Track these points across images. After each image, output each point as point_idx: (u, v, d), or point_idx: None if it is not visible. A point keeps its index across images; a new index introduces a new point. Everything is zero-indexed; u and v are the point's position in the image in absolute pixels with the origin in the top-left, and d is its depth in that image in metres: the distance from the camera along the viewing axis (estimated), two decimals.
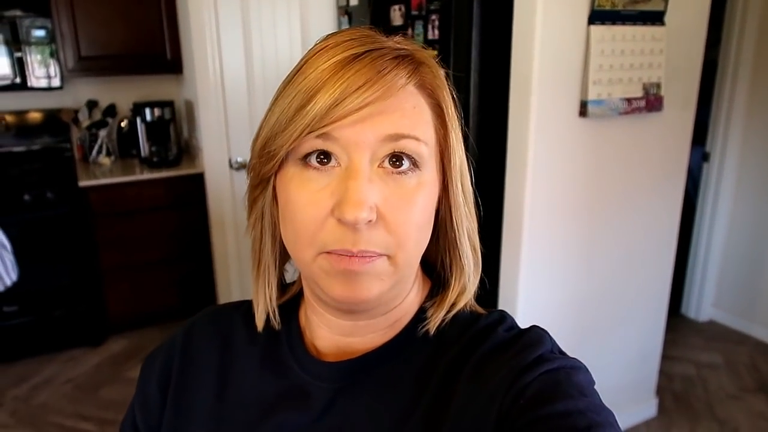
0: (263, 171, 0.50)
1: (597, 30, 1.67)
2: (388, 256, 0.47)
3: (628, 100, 1.78)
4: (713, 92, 2.94)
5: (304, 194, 0.47)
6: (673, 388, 2.56)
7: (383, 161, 0.47)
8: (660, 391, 2.42)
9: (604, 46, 1.69)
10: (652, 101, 1.83)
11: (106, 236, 2.79)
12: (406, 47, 0.49)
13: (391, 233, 0.47)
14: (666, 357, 2.56)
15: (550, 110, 1.69)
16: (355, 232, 0.45)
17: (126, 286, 2.90)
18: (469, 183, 0.54)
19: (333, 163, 0.47)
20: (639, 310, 2.14)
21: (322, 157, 0.47)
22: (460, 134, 0.52)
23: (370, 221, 0.45)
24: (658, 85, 1.83)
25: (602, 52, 1.69)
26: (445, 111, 0.50)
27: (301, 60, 0.49)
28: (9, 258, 2.52)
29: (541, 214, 1.77)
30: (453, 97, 0.52)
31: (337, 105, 0.44)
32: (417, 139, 0.47)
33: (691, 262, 3.20)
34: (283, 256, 0.57)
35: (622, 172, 1.89)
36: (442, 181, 0.52)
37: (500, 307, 1.92)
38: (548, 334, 0.53)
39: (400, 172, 0.47)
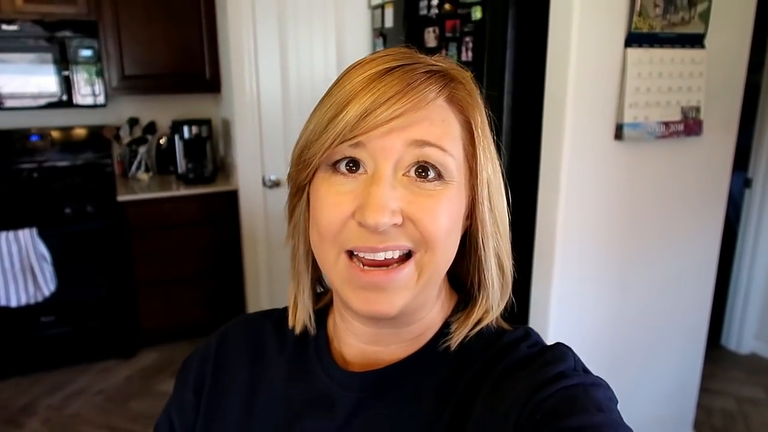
0: (299, 179, 0.52)
1: (634, 53, 1.65)
2: (416, 259, 0.49)
3: (666, 124, 1.74)
4: (756, 116, 2.86)
5: (330, 196, 0.49)
6: (712, 422, 2.45)
7: (408, 170, 0.48)
8: (698, 425, 2.32)
9: (641, 69, 1.67)
10: (691, 125, 1.79)
11: (141, 250, 2.85)
12: (441, 64, 0.50)
13: (419, 231, 0.48)
14: (705, 390, 2.46)
15: (584, 133, 1.67)
16: (379, 234, 0.47)
17: (159, 300, 2.95)
18: (502, 204, 0.54)
19: (361, 170, 0.48)
20: (676, 340, 2.06)
21: (351, 165, 0.48)
22: (494, 154, 0.53)
23: (394, 224, 0.47)
24: (698, 109, 1.79)
25: (639, 75, 1.67)
26: (474, 128, 0.51)
27: (341, 74, 0.51)
28: (48, 269, 2.61)
29: (574, 238, 1.74)
30: (487, 117, 0.53)
31: (367, 115, 0.46)
32: (442, 149, 0.48)
33: (732, 291, 3.09)
34: (316, 264, 0.58)
35: (658, 197, 1.85)
36: (471, 198, 0.52)
37: None
38: (572, 351, 0.53)
39: (424, 181, 0.48)
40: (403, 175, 0.48)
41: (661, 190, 1.84)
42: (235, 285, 3.05)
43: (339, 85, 0.49)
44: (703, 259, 2.02)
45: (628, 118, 1.68)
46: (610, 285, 1.86)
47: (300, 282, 0.59)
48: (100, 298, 2.82)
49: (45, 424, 2.43)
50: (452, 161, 0.49)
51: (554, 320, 1.78)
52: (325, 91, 0.51)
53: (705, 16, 1.72)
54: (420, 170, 0.48)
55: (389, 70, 0.47)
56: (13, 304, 2.56)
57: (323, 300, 0.62)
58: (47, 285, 2.61)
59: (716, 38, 1.76)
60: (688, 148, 1.84)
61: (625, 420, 0.47)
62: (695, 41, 1.73)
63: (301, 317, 0.59)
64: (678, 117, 1.76)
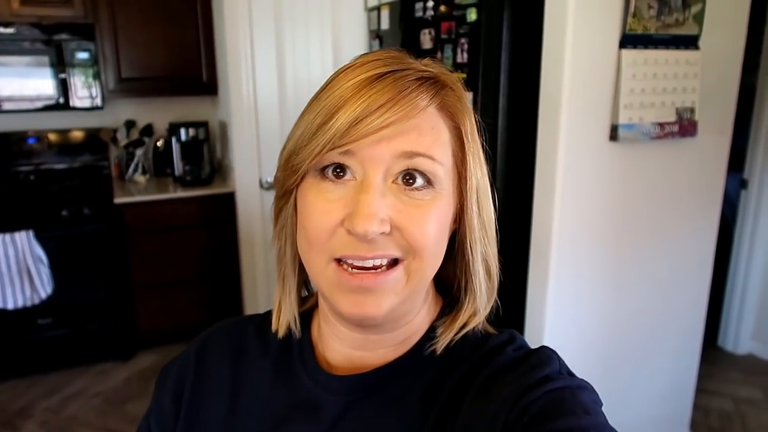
0: (287, 183, 0.52)
1: (628, 54, 1.65)
2: (404, 265, 0.49)
3: (661, 125, 1.75)
4: (751, 118, 2.87)
5: (319, 204, 0.48)
6: (709, 423, 2.46)
7: (397, 178, 0.48)
8: (695, 426, 2.32)
9: (636, 70, 1.67)
10: (685, 126, 1.79)
11: (138, 252, 2.85)
12: (431, 69, 0.50)
13: (407, 240, 0.48)
14: (701, 390, 2.46)
15: (579, 134, 1.67)
16: (368, 243, 0.47)
17: (156, 302, 2.95)
18: (490, 208, 0.54)
19: (348, 176, 0.48)
20: (671, 341, 2.07)
21: (338, 170, 0.48)
22: (482, 159, 0.53)
23: (383, 233, 0.46)
24: (692, 110, 1.79)
25: (634, 76, 1.67)
26: (464, 134, 0.51)
27: (329, 78, 0.50)
28: (45, 272, 2.60)
29: (569, 240, 1.75)
30: (476, 122, 0.52)
31: (357, 123, 0.45)
32: (432, 158, 0.48)
33: (728, 291, 3.09)
34: (303, 267, 0.58)
35: (653, 198, 1.85)
36: (459, 203, 0.52)
37: (527, 334, 1.89)
38: (557, 354, 0.53)
39: (413, 189, 0.48)
40: (392, 182, 0.48)
41: (656, 191, 1.85)
42: (233, 287, 3.05)
43: (328, 90, 0.48)
44: (698, 259, 2.03)
45: (622, 119, 1.69)
46: (605, 285, 1.86)
47: (286, 284, 0.58)
48: (97, 301, 2.82)
49: (42, 427, 2.42)
50: (441, 169, 0.49)
51: (550, 320, 1.79)
52: (314, 93, 0.51)
53: (699, 18, 1.73)
54: (408, 177, 0.48)
55: (380, 76, 0.47)
56: (10, 306, 2.56)
57: (307, 303, 0.62)
58: (44, 287, 2.61)
59: (711, 39, 1.77)
60: (683, 149, 1.85)
61: (621, 420, 0.48)
62: (690, 42, 1.74)
63: (285, 320, 0.59)
64: (673, 118, 1.77)
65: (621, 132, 1.69)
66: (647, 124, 1.73)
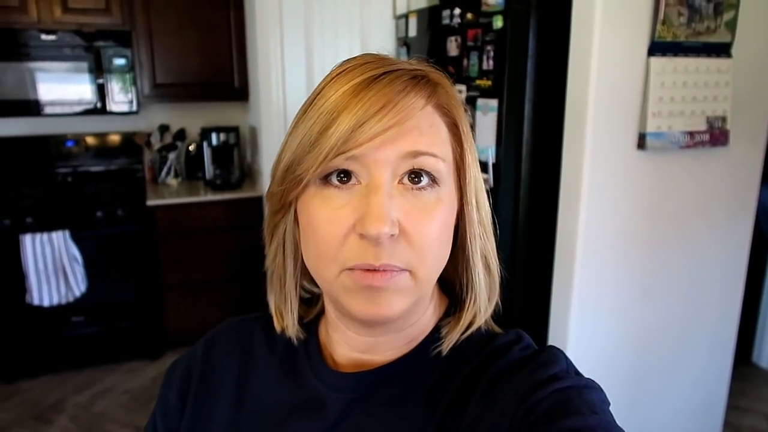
0: (286, 197, 0.51)
1: (657, 61, 1.63)
2: (410, 272, 0.48)
3: (691, 134, 1.72)
4: None
5: (325, 212, 0.48)
6: None
7: (403, 178, 0.48)
8: None
9: (665, 78, 1.65)
10: (716, 135, 1.76)
11: (169, 254, 2.92)
12: (421, 68, 0.51)
13: (413, 247, 0.47)
14: (733, 407, 2.39)
15: (606, 142, 1.65)
16: (377, 247, 0.46)
17: (185, 303, 3.01)
18: (486, 202, 0.55)
19: (353, 181, 0.48)
20: (701, 355, 2.02)
21: (342, 176, 0.48)
22: (475, 153, 0.53)
23: (392, 236, 0.46)
24: (724, 119, 1.76)
25: (663, 84, 1.65)
26: (460, 129, 0.52)
27: (319, 85, 0.50)
28: (80, 271, 2.69)
29: (594, 250, 1.72)
30: (467, 117, 0.53)
31: (360, 126, 0.45)
32: (435, 155, 0.48)
33: (763, 306, 3.00)
34: (302, 279, 0.58)
35: (682, 209, 1.82)
36: (460, 199, 0.53)
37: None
38: (564, 354, 0.53)
39: (419, 188, 0.48)
40: (398, 182, 0.48)
41: (685, 201, 1.81)
42: (260, 290, 3.07)
43: (323, 96, 0.48)
44: (730, 272, 1.98)
45: (651, 128, 1.66)
46: (631, 296, 1.83)
47: (287, 300, 0.58)
48: (128, 300, 2.89)
49: (73, 422, 2.50)
50: (444, 165, 0.49)
51: (574, 332, 1.76)
52: (304, 103, 0.51)
53: (731, 25, 1.69)
54: (413, 176, 0.48)
55: (374, 79, 0.47)
56: (46, 303, 2.65)
57: (312, 312, 0.62)
58: (78, 286, 2.69)
59: (744, 47, 1.73)
60: (714, 159, 1.81)
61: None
62: (721, 50, 1.70)
63: (290, 330, 0.59)
64: (703, 127, 1.73)
65: (649, 140, 1.67)
66: (676, 132, 1.70)
